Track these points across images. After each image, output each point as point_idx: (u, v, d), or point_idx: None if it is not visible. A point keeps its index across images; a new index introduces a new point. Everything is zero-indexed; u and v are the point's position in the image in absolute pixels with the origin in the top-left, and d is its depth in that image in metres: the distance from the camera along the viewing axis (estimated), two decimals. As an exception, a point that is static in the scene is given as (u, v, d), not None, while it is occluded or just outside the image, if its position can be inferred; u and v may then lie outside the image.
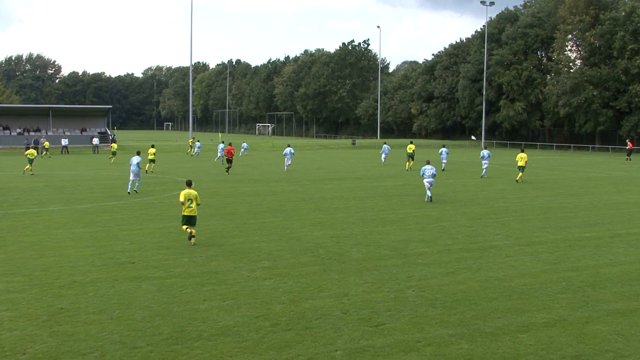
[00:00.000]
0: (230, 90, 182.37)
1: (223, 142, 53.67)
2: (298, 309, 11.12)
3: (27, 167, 39.06)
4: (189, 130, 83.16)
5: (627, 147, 64.09)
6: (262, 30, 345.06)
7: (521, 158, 35.37)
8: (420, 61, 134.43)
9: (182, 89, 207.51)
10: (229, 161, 39.95)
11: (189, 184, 17.08)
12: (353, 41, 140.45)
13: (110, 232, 18.58)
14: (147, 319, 10.49)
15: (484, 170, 38.18)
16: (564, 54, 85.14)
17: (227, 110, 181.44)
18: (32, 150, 40.11)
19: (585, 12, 79.58)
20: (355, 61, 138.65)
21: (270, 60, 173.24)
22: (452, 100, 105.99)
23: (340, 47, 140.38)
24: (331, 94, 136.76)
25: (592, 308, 11.22)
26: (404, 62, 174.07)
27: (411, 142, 47.55)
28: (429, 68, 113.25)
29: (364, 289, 12.44)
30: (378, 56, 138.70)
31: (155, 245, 16.58)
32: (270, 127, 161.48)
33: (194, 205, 16.64)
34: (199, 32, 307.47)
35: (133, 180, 28.65)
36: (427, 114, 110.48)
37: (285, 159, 42.64)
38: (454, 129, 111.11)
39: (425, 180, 25.94)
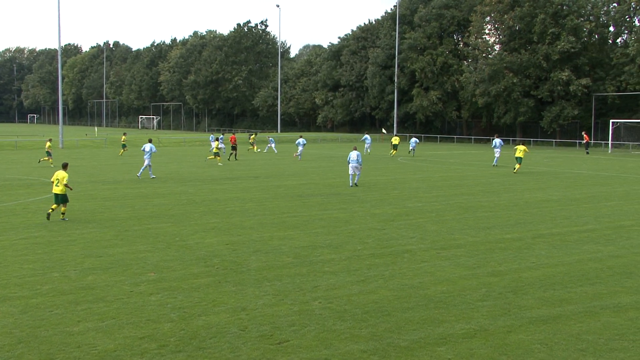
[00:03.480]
0: (108, 77, 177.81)
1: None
2: (189, 327, 10.98)
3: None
4: (58, 123, 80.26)
5: (583, 141, 67.49)
6: (143, 8, 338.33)
7: (519, 150, 40.35)
8: (325, 45, 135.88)
9: (50, 75, 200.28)
10: (234, 148, 50.72)
11: (63, 166, 21.89)
12: (249, 22, 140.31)
13: (-38, 244, 17.70)
14: (7, 348, 10.04)
15: (495, 159, 45.85)
16: (482, 38, 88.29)
17: (104, 100, 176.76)
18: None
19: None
20: (252, 45, 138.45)
21: (154, 43, 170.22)
22: (360, 89, 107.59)
23: (234, 28, 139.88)
24: (225, 82, 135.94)
25: (514, 316, 11.68)
26: (306, 47, 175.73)
27: (396, 135, 64.70)
28: (335, 53, 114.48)
29: (265, 301, 12.43)
30: (278, 39, 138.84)
31: (17, 259, 15.91)
32: (156, 119, 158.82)
33: (60, 184, 21.09)
34: (68, 8, 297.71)
35: (147, 166, 35.71)
36: (332, 105, 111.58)
37: (298, 148, 52.53)
38: (363, 121, 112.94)
39: (350, 166, 31.53)
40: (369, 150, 61.61)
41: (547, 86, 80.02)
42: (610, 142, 71.78)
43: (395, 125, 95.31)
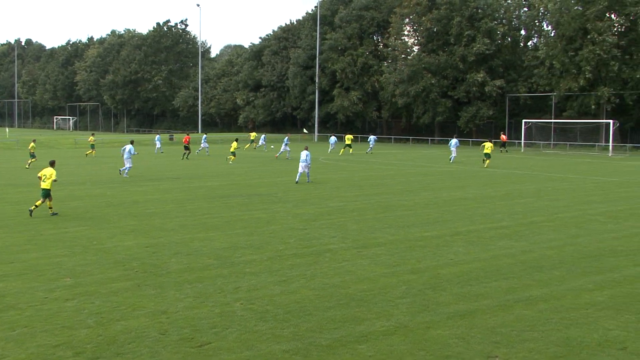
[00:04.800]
0: (20, 76, 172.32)
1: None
2: (107, 332, 10.73)
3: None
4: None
5: (500, 140, 70.24)
6: (58, 5, 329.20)
7: (486, 147, 45.86)
8: (246, 45, 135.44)
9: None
10: (186, 148, 53.87)
11: (51, 164, 23.23)
12: (169, 21, 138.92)
13: None
14: None
15: (452, 157, 50.53)
16: (401, 40, 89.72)
17: (15, 100, 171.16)
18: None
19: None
20: (172, 44, 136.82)
21: (69, 41, 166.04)
22: (281, 89, 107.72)
23: (154, 27, 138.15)
24: (144, 82, 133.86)
25: (432, 312, 11.89)
26: (227, 47, 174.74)
27: (349, 134, 67.98)
28: (256, 53, 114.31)
29: (185, 304, 12.28)
30: (198, 39, 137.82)
31: None
32: (72, 120, 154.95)
33: (48, 180, 22.25)
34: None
35: (129, 166, 37.33)
36: (254, 105, 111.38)
37: (330, 145, 61.26)
38: (284, 121, 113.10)
39: (300, 165, 33.39)
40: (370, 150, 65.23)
41: (463, 87, 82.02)
42: (522, 141, 74.03)
43: (316, 125, 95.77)
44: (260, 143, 69.16)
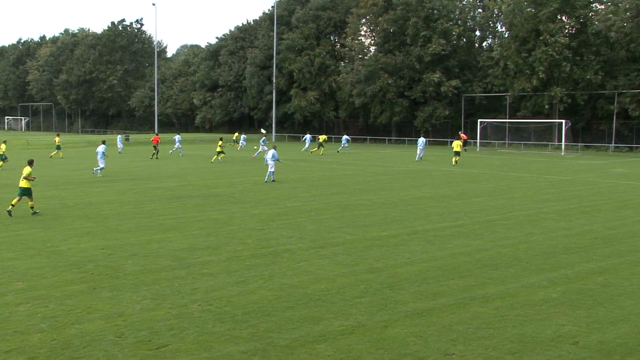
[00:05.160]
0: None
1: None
2: (62, 336, 10.56)
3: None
4: None
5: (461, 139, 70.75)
6: (8, 2, 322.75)
7: (456, 144, 48.38)
8: (203, 45, 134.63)
9: None
10: (155, 147, 54.81)
11: (29, 163, 23.34)
12: (124, 20, 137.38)
13: None
14: None
15: (418, 156, 52.86)
16: (358, 40, 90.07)
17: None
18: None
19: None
20: (127, 44, 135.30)
21: (20, 40, 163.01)
22: (239, 89, 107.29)
23: (109, 27, 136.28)
24: (99, 81, 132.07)
25: (390, 311, 11.96)
26: (184, 46, 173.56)
27: (323, 134, 74.13)
28: (213, 53, 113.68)
29: (142, 306, 12.14)
30: (154, 38, 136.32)
31: None
32: (24, 120, 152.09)
33: (24, 179, 22.50)
34: None
35: (102, 166, 38.07)
36: (211, 105, 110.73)
37: (306, 144, 65.69)
38: (242, 121, 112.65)
39: (269, 163, 34.54)
40: (347, 149, 66.07)
41: (420, 87, 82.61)
42: (478, 140, 74.89)
43: (274, 125, 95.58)
44: (240, 144, 70.61)
